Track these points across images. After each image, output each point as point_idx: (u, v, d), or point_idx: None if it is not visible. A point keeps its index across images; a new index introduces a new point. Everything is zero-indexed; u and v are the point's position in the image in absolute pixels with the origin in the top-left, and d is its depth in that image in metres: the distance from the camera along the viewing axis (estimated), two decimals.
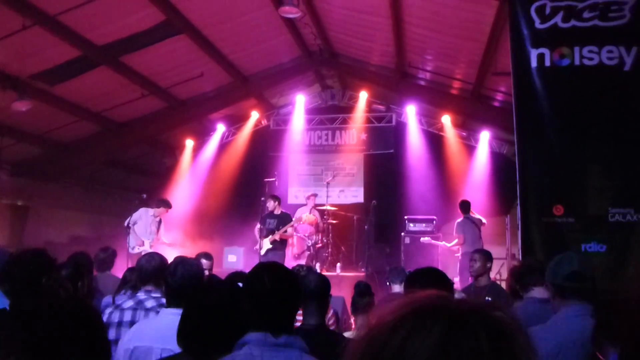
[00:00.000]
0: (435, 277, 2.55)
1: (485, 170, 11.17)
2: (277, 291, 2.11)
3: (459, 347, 0.69)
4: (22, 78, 8.13)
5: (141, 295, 3.22)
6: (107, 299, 3.87)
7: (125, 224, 8.40)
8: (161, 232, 8.65)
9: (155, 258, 3.42)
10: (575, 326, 2.23)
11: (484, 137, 11.36)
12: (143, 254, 4.09)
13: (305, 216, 10.01)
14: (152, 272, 3.29)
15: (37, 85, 8.40)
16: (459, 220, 8.91)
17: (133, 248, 8.25)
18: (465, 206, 9.01)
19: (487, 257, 5.24)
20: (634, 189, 4.88)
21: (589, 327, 1.92)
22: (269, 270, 2.22)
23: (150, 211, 8.57)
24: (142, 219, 8.49)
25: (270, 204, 9.14)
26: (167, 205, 8.72)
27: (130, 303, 3.20)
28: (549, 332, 2.27)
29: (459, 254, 9.00)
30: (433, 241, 9.49)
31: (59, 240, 10.42)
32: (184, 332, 2.12)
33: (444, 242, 9.35)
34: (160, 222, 8.66)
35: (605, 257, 4.80)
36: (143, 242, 8.35)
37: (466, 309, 0.73)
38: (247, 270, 4.30)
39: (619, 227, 4.80)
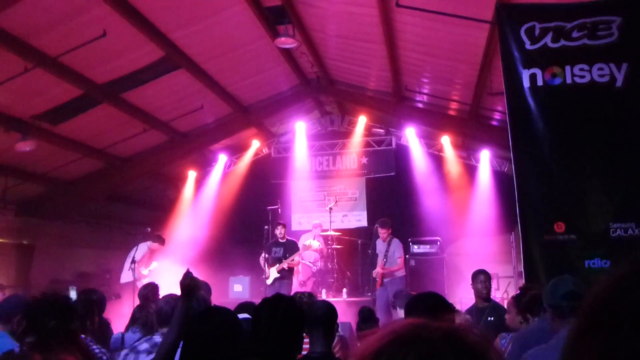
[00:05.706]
0: (435, 302, 2.57)
1: (487, 189, 11.17)
2: (278, 321, 2.19)
3: None
4: (26, 119, 8.25)
5: (157, 338, 3.19)
6: (117, 335, 3.87)
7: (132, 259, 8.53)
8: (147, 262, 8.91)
9: (173, 300, 3.41)
10: None
11: (485, 156, 11.40)
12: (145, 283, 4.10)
13: (309, 242, 10.01)
14: (171, 314, 3.29)
15: (40, 125, 8.52)
16: (397, 239, 8.69)
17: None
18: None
19: (489, 278, 5.31)
20: (634, 203, 4.88)
21: None
22: (274, 302, 2.33)
23: (148, 244, 8.96)
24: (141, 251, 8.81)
25: (280, 231, 9.15)
26: (163, 242, 9.17)
27: (145, 345, 3.16)
28: (549, 352, 2.28)
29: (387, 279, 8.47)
30: (378, 269, 8.65)
31: (65, 278, 10.43)
32: None
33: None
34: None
35: None
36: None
37: (439, 336, 0.77)
38: (253, 300, 4.33)
39: (621, 242, 4.78)
